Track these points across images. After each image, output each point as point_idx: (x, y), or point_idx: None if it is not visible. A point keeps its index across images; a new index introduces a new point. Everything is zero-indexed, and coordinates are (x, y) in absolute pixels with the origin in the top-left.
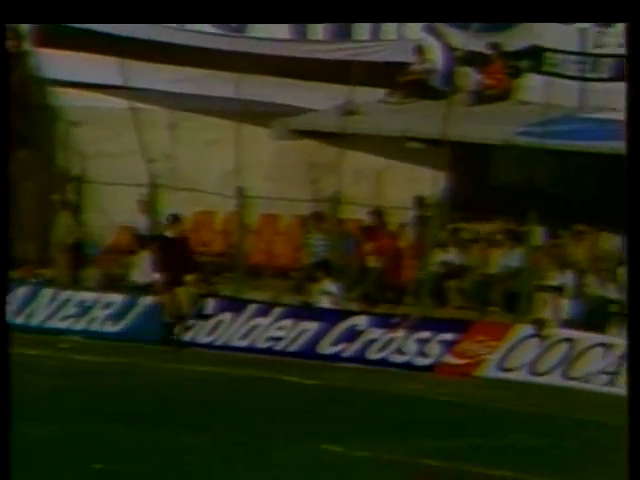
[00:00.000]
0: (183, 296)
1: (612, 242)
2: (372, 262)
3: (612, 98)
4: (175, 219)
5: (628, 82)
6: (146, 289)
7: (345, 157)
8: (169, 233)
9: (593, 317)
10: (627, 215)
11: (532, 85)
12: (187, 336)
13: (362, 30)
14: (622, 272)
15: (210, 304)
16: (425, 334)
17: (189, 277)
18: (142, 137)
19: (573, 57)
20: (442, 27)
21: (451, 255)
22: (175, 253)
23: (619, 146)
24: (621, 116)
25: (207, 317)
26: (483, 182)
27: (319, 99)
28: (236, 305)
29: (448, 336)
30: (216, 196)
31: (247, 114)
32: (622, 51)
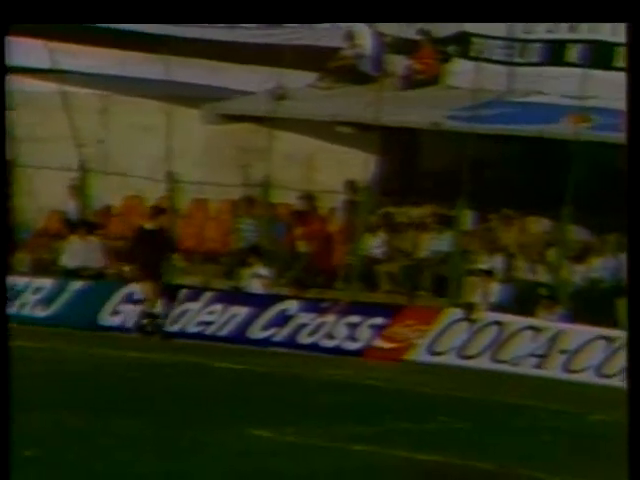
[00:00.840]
0: (156, 289)
1: (540, 225)
2: (302, 247)
3: (540, 82)
4: (158, 211)
5: (628, 81)
6: (75, 274)
7: (275, 142)
8: (149, 225)
9: (522, 300)
10: (627, 214)
11: (461, 70)
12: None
13: None
14: (550, 255)
15: (139, 289)
16: (355, 318)
17: (164, 270)
18: (72, 121)
19: (501, 42)
20: None
21: (381, 239)
22: (154, 245)
23: (546, 129)
24: (549, 99)
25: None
26: (413, 166)
27: (250, 82)
28: (167, 290)
29: (378, 320)
30: (146, 181)
31: (178, 98)
32: (550, 36)
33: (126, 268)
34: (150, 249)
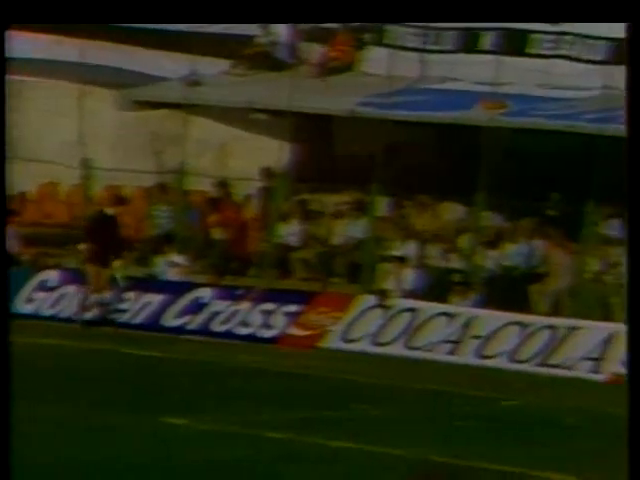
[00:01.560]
0: (105, 275)
1: (454, 212)
2: (217, 234)
3: (454, 69)
4: (120, 200)
5: (628, 82)
6: None
7: (190, 128)
8: (110, 211)
9: (436, 287)
10: (628, 213)
11: (375, 57)
12: (30, 308)
13: None
14: (464, 241)
15: (53, 276)
16: (269, 306)
17: (117, 259)
18: None
19: (414, 30)
20: None
21: (295, 226)
22: (107, 231)
23: (460, 116)
24: (462, 86)
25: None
26: (328, 153)
27: (165, 69)
28: (80, 277)
29: (292, 308)
30: (60, 167)
31: (91, 83)
32: (464, 24)
33: (81, 247)
34: (103, 234)
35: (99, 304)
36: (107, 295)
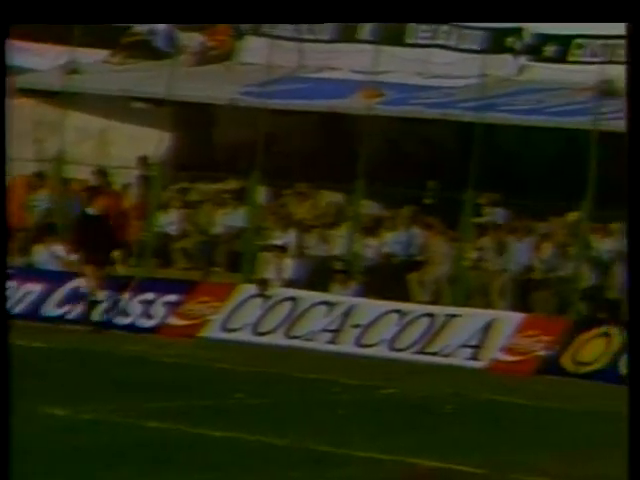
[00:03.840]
0: (101, 275)
1: (332, 200)
2: None
3: (332, 58)
4: (94, 193)
5: (628, 82)
6: None
7: (69, 116)
8: (91, 210)
9: (316, 275)
10: (628, 214)
11: (253, 47)
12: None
13: None
14: (343, 229)
15: None
16: (149, 295)
17: (114, 255)
18: None
19: None
20: None
21: (175, 215)
22: (95, 230)
23: (338, 104)
24: (340, 75)
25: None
26: (207, 142)
27: (43, 57)
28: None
29: (172, 297)
30: None
31: None
32: None
33: (73, 257)
34: (92, 234)
35: (93, 303)
36: (103, 294)
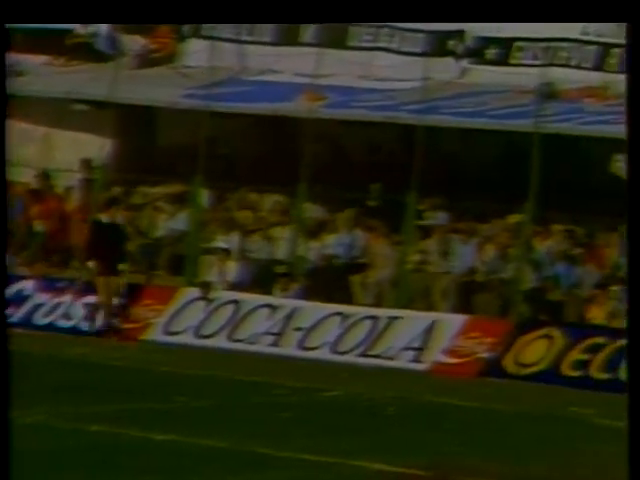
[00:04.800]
0: (114, 285)
1: (275, 203)
2: (39, 226)
3: (275, 61)
4: (112, 202)
5: (628, 83)
6: None
7: (11, 119)
8: (104, 218)
9: (259, 278)
10: (627, 214)
11: (195, 49)
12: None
13: None
14: (286, 232)
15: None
16: (92, 298)
17: (122, 266)
18: None
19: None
20: None
21: (116, 218)
22: (109, 239)
23: (281, 107)
24: (283, 78)
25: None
26: (150, 145)
27: None
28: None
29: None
30: None
31: None
32: None
33: (90, 264)
34: (106, 243)
35: (108, 314)
36: (115, 304)
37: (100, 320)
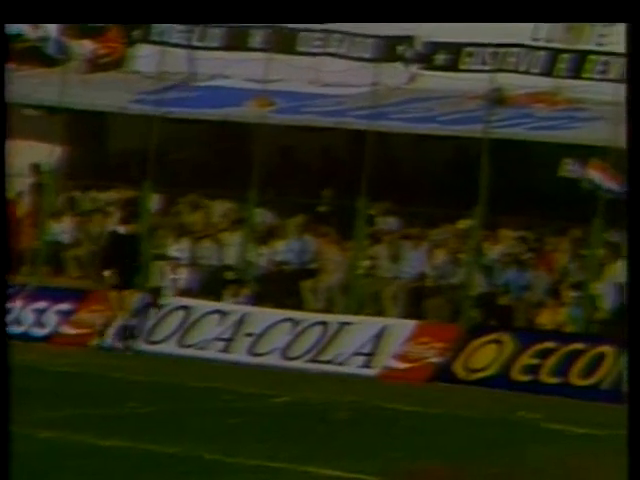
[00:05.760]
0: (130, 297)
1: (226, 209)
2: None
3: (224, 67)
4: (130, 215)
5: (628, 83)
6: None
7: None
8: (122, 229)
9: (209, 284)
10: (627, 216)
11: (145, 54)
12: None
13: None
14: (237, 238)
15: None
16: (42, 304)
17: (137, 278)
18: None
19: (181, 26)
20: None
21: (67, 224)
22: (126, 250)
23: (231, 113)
24: (232, 83)
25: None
26: (99, 150)
27: None
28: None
29: (65, 306)
30: None
31: None
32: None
33: (106, 274)
34: (122, 255)
35: (123, 328)
36: (130, 318)
37: (112, 335)
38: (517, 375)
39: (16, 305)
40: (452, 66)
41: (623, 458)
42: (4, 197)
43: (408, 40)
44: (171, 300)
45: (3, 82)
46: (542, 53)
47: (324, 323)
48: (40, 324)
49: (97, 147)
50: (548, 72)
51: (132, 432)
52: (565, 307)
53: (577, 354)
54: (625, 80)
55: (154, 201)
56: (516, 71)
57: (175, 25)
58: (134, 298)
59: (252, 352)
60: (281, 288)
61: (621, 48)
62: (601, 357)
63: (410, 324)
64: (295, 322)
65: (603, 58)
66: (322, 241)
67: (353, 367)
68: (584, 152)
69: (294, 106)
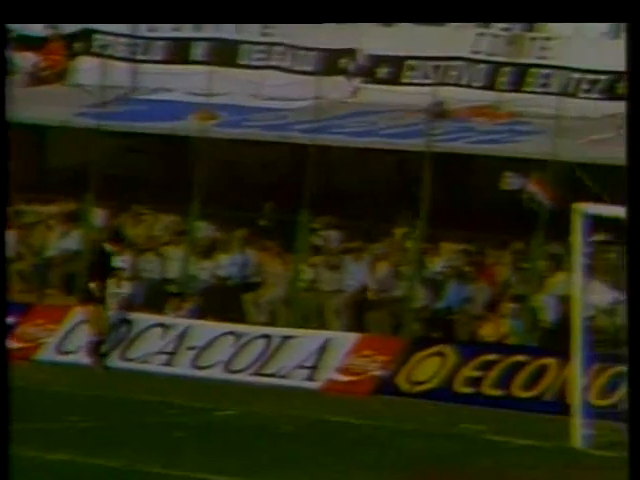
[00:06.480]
0: (105, 313)
1: (168, 222)
2: None
3: (166, 80)
4: (117, 237)
5: (628, 83)
6: None
7: None
8: (108, 247)
9: (151, 297)
10: (627, 218)
11: (87, 67)
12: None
13: None
14: (179, 251)
15: None
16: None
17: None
18: None
19: (124, 39)
20: None
21: (10, 238)
22: (105, 268)
23: (174, 127)
24: (175, 96)
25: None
26: (41, 164)
27: None
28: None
29: (8, 320)
30: None
31: None
32: (175, 34)
33: (92, 285)
34: (102, 271)
35: (98, 344)
36: (107, 334)
37: (84, 351)
38: (460, 387)
39: None
40: (394, 80)
41: (566, 469)
42: (5, 196)
43: (350, 53)
44: (113, 313)
45: (4, 82)
46: (483, 66)
47: (267, 336)
48: None
49: (39, 160)
50: (490, 85)
51: (74, 446)
52: (507, 319)
53: (519, 366)
54: (625, 80)
55: (96, 214)
56: (458, 84)
57: (118, 37)
58: (109, 314)
59: (195, 365)
60: (224, 301)
61: (562, 61)
62: (543, 369)
63: (353, 337)
64: (238, 335)
65: (544, 71)
66: (264, 255)
67: (296, 380)
68: (525, 166)
69: (237, 120)
